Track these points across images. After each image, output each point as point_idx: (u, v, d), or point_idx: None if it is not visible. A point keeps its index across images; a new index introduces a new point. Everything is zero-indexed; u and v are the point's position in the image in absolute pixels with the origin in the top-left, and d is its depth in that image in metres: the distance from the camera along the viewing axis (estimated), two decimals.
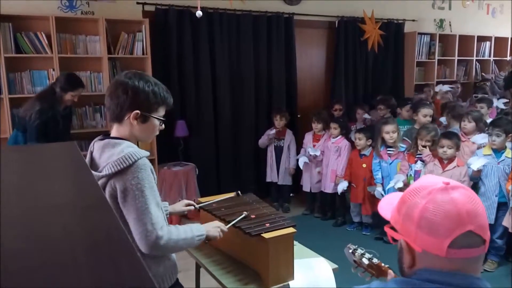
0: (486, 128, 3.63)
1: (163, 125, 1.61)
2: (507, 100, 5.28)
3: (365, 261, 1.43)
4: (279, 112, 4.61)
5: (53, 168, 0.87)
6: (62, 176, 0.83)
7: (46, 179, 0.78)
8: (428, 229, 0.87)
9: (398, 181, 3.62)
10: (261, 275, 1.78)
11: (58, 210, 0.62)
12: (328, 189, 4.34)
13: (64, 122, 3.40)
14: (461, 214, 0.86)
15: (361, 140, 4.03)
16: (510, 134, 3.31)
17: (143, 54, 4.08)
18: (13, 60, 3.65)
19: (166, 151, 4.34)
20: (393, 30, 5.84)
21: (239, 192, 2.17)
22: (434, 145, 3.52)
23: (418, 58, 6.05)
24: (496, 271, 3.35)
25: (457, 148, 3.38)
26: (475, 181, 3.39)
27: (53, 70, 3.75)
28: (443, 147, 3.36)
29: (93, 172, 1.34)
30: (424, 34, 6.09)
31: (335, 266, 1.92)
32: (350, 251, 1.48)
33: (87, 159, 1.56)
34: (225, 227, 1.73)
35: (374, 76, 5.81)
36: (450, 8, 6.59)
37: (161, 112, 1.57)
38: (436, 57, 6.21)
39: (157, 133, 1.62)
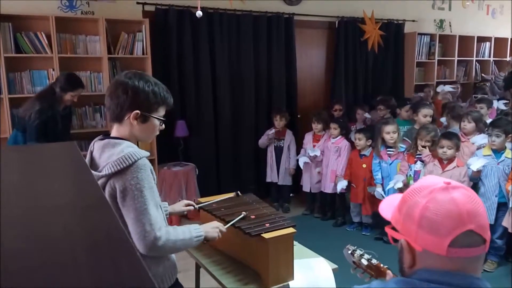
0: (486, 129, 3.63)
1: (163, 125, 1.61)
2: (507, 101, 5.28)
3: (364, 262, 1.43)
4: (279, 112, 4.61)
5: (53, 168, 0.87)
6: (62, 176, 0.83)
7: (46, 179, 0.78)
8: (428, 228, 0.88)
9: (397, 181, 3.62)
10: (261, 275, 1.78)
11: (58, 210, 0.62)
12: (328, 189, 4.34)
13: (63, 122, 3.40)
14: (461, 213, 0.86)
15: (361, 141, 4.03)
16: (510, 135, 3.31)
17: (143, 54, 4.08)
18: (13, 60, 3.65)
19: (166, 151, 4.34)
20: (393, 30, 5.84)
21: (239, 192, 2.17)
22: (434, 145, 3.52)
23: (418, 59, 6.06)
24: (496, 271, 3.36)
25: (457, 148, 3.38)
26: (475, 182, 3.39)
27: (53, 70, 3.75)
28: (443, 147, 3.36)
29: (93, 172, 1.34)
30: (424, 34, 6.10)
31: (335, 266, 1.92)
32: (349, 252, 1.48)
33: (87, 159, 1.56)
34: (223, 228, 1.72)
35: (374, 77, 5.81)
36: (450, 9, 6.60)
37: (161, 112, 1.57)
38: (436, 58, 6.21)
39: (157, 133, 1.62)
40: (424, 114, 4.18)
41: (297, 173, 4.72)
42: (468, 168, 3.32)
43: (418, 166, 3.63)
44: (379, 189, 3.83)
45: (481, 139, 3.59)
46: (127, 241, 0.50)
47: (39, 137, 3.13)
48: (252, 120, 4.86)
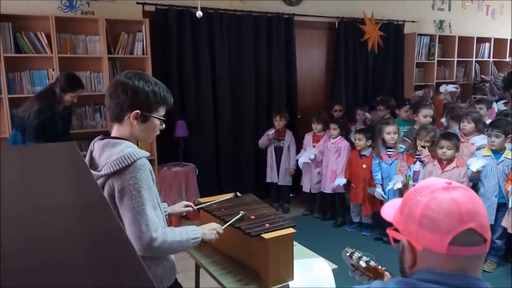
0: (486, 129, 3.63)
1: (164, 125, 1.61)
2: (507, 101, 5.29)
3: (363, 264, 1.43)
4: (279, 112, 4.61)
5: (53, 168, 0.87)
6: (62, 176, 0.83)
7: (46, 179, 0.78)
8: (429, 226, 0.89)
9: (396, 182, 3.62)
10: (261, 276, 1.78)
11: (58, 210, 0.62)
12: (328, 190, 4.34)
13: (63, 122, 3.40)
14: (462, 212, 0.87)
15: (361, 141, 4.03)
16: (510, 135, 3.31)
17: (143, 54, 4.08)
18: (12, 60, 3.65)
19: (166, 151, 4.34)
20: (393, 31, 5.84)
21: (237, 193, 2.16)
22: (433, 145, 3.52)
23: (418, 59, 6.06)
24: (495, 271, 3.36)
25: (457, 149, 3.38)
26: (475, 182, 3.39)
27: (53, 70, 3.75)
28: (442, 148, 3.36)
29: (92, 171, 1.34)
30: (424, 35, 6.10)
31: (335, 266, 1.92)
32: (348, 254, 1.49)
33: (87, 159, 1.56)
34: (221, 229, 1.71)
35: (374, 77, 5.81)
36: (449, 9, 6.60)
37: (161, 112, 1.57)
38: (436, 58, 6.22)
39: (158, 133, 1.61)
40: (425, 115, 4.18)
41: (297, 174, 4.72)
42: (468, 168, 3.32)
43: (417, 166, 3.63)
44: (379, 190, 3.84)
45: (480, 139, 3.59)
46: (127, 241, 0.50)
47: (37, 137, 3.13)
48: (252, 120, 4.86)
